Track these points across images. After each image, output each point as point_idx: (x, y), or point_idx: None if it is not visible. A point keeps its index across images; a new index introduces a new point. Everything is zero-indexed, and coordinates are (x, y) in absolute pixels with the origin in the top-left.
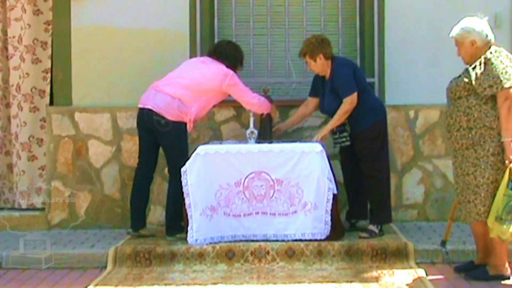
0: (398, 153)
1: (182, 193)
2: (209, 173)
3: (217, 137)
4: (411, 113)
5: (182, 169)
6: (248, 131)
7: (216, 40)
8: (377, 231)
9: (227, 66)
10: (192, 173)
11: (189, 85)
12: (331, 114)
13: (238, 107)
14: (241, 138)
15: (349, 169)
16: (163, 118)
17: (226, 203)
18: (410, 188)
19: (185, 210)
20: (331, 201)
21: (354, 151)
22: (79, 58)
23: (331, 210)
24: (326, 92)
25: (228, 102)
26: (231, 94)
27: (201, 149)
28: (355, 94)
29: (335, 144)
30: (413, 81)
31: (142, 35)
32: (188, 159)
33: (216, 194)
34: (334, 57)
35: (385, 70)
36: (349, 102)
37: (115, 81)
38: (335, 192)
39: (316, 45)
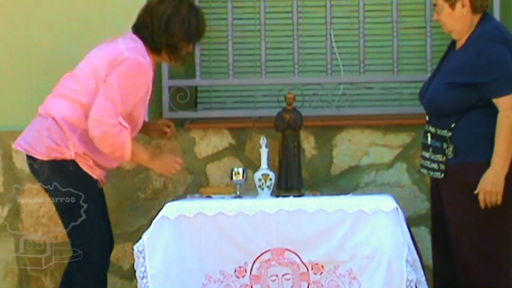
0: None
1: (95, 282)
2: (187, 253)
3: (200, 185)
4: None
5: (135, 247)
6: (258, 175)
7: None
8: None
9: (150, 46)
10: (155, 254)
11: (68, 86)
12: (431, 108)
13: (238, 130)
14: (246, 188)
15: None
16: (35, 159)
17: None
18: None
19: None
20: None
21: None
22: None
23: None
24: (443, 67)
25: (222, 120)
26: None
27: (170, 209)
28: None
29: (421, 167)
30: None
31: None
32: (103, 224)
33: None
34: (485, 16)
35: None
36: (510, 107)
37: (7, 87)
38: (426, 286)
39: None
